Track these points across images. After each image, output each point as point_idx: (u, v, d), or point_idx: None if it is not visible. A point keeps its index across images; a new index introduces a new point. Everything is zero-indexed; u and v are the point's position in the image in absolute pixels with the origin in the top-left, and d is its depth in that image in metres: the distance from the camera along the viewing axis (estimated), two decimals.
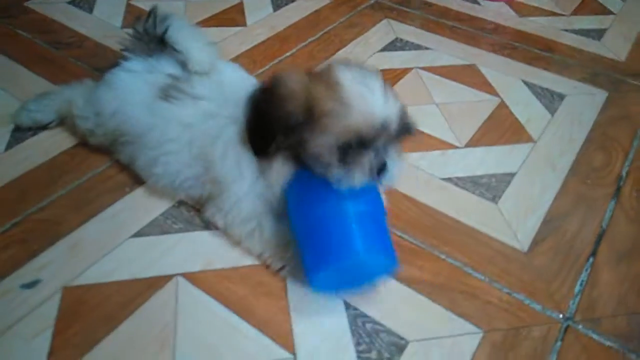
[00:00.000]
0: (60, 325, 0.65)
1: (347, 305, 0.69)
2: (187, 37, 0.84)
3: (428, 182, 0.88)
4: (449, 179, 0.89)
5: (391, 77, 1.12)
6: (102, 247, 0.73)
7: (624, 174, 0.92)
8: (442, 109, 1.05)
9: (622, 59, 1.25)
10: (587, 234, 0.81)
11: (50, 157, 0.87)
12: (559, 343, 0.66)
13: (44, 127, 0.91)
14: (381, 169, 0.62)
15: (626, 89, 1.15)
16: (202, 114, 0.73)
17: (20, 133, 0.91)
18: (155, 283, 0.70)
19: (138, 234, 0.76)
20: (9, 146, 0.89)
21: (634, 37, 1.35)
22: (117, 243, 0.74)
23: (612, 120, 1.05)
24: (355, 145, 0.61)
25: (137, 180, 0.83)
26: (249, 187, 0.70)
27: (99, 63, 1.11)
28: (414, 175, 0.89)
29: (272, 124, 0.62)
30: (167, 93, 0.77)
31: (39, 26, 1.22)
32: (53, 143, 0.90)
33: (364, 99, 0.60)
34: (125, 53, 0.85)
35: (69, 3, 1.33)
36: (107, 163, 0.87)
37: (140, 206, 0.80)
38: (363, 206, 0.63)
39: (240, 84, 0.77)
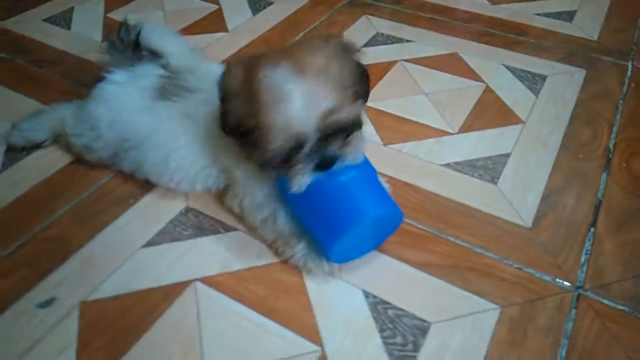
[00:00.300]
0: (83, 341, 0.64)
1: (367, 294, 0.70)
2: (159, 35, 0.87)
3: (427, 169, 0.90)
4: (447, 165, 0.91)
5: (378, 71, 1.14)
6: (114, 260, 0.73)
7: (611, 146, 0.96)
8: (431, 98, 1.07)
9: (595, 38, 1.30)
10: (584, 206, 0.84)
11: (48, 175, 0.86)
12: (573, 311, 0.68)
13: (38, 145, 0.90)
14: (329, 161, 0.62)
15: (602, 66, 1.19)
16: (199, 103, 0.75)
17: (14, 154, 0.90)
18: (174, 290, 0.69)
19: (149, 244, 0.75)
20: (4, 167, 0.87)
21: (602, 17, 1.40)
22: (129, 254, 0.74)
23: (593, 96, 1.09)
24: (286, 155, 0.60)
25: (141, 191, 0.83)
26: (249, 173, 0.71)
27: (85, 78, 1.09)
28: (413, 164, 0.90)
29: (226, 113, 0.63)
30: (164, 91, 0.78)
31: (17, 46, 1.20)
32: (49, 161, 0.89)
33: (280, 113, 0.57)
34: (106, 68, 0.85)
35: (45, 20, 1.31)
36: (108, 176, 0.86)
37: (147, 216, 0.79)
38: (353, 172, 0.65)
39: None
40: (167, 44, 0.88)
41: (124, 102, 0.80)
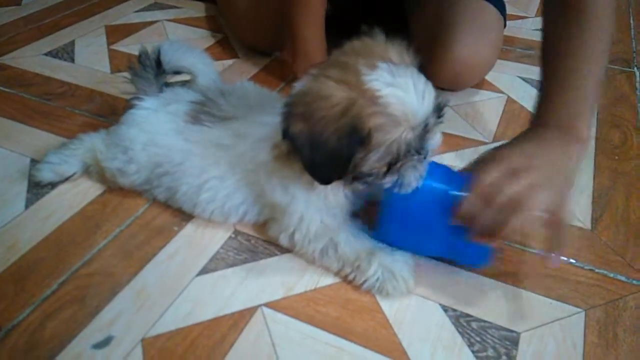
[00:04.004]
0: None
1: (445, 308, 0.66)
2: (180, 51, 0.84)
3: None
4: None
5: None
6: (169, 291, 0.67)
7: None
8: (457, 110, 1.07)
9: None
10: (635, 203, 0.83)
11: (79, 208, 0.80)
12: None
13: (66, 179, 0.84)
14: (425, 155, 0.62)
15: (611, 74, 1.22)
16: (233, 135, 0.71)
17: (38, 189, 0.83)
18: (240, 318, 0.64)
19: (203, 272, 0.70)
20: (29, 203, 0.81)
21: None
22: (184, 284, 0.68)
23: (612, 101, 1.11)
24: (404, 152, 0.58)
25: (183, 218, 0.78)
26: (306, 205, 0.67)
27: (98, 110, 1.05)
28: None
29: (338, 157, 0.57)
30: (196, 116, 0.74)
31: (20, 81, 1.15)
32: (77, 194, 0.83)
33: (405, 105, 0.56)
34: (134, 96, 0.81)
35: (46, 55, 1.26)
36: (144, 205, 0.81)
37: (195, 243, 0.74)
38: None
39: (265, 99, 0.76)
40: (190, 58, 0.85)
41: (157, 125, 0.76)
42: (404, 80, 0.56)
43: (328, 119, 0.55)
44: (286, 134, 0.58)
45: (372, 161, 0.58)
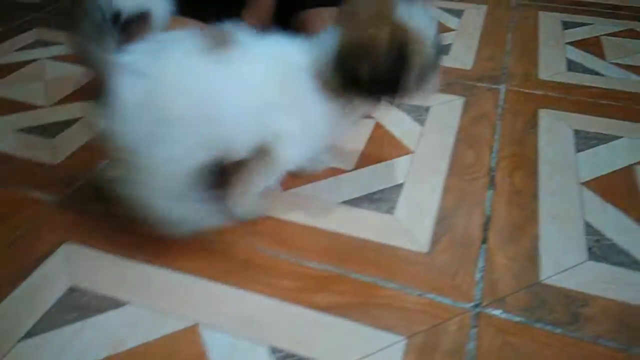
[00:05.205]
0: None
1: (273, 349, 0.67)
2: None
3: (327, 208, 0.90)
4: (346, 202, 0.92)
5: None
6: None
7: (493, 165, 1.02)
8: None
9: (469, 67, 1.41)
10: (475, 224, 0.87)
11: None
12: (473, 330, 0.70)
13: None
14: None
15: (478, 92, 1.29)
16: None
17: None
18: None
19: (29, 335, 0.68)
20: None
21: (474, 48, 1.52)
22: (5, 351, 0.66)
23: (473, 120, 1.17)
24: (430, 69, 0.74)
25: (18, 278, 0.76)
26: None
27: None
28: (312, 205, 0.90)
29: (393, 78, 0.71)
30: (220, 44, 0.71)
31: None
32: None
33: (425, 30, 0.70)
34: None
35: None
36: None
37: (24, 305, 0.72)
38: None
39: None
40: None
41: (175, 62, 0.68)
42: (416, 12, 0.70)
43: (380, 53, 0.69)
44: (352, 71, 0.70)
45: (413, 77, 0.72)
